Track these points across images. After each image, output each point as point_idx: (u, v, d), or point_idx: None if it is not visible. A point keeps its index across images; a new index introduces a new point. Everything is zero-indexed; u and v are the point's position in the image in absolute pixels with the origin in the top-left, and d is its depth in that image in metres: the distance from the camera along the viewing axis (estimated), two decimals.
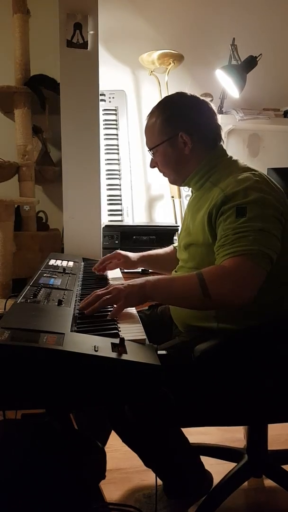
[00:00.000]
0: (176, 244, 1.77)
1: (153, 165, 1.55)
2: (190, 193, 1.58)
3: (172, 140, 1.44)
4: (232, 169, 1.39)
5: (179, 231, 2.70)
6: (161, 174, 1.57)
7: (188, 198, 2.82)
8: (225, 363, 1.26)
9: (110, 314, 1.19)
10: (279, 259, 1.25)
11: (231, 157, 1.47)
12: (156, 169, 1.55)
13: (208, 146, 1.45)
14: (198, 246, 1.38)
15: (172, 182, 1.59)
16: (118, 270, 1.76)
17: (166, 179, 1.57)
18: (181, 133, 1.43)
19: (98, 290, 1.25)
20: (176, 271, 1.52)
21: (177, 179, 1.53)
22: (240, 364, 1.25)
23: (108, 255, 1.72)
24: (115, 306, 1.22)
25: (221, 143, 1.48)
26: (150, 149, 1.51)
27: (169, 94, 2.75)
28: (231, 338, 1.29)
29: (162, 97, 2.80)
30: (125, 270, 1.81)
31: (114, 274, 1.71)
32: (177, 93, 1.53)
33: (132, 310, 1.29)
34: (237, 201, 1.26)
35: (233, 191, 1.28)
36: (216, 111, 1.49)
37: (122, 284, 1.25)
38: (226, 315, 1.31)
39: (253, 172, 1.35)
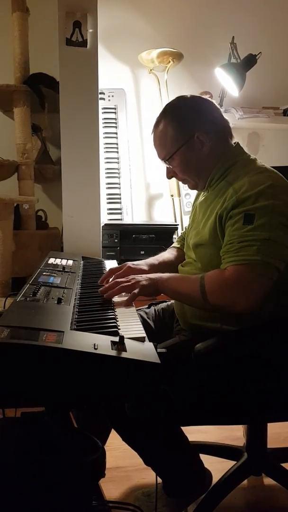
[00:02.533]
0: (176, 244, 1.75)
1: (170, 175, 1.48)
2: (191, 192, 1.56)
3: (189, 144, 1.38)
4: (249, 168, 1.36)
5: (180, 230, 2.71)
6: (180, 182, 1.52)
7: (188, 196, 2.84)
8: (224, 362, 1.26)
9: (126, 300, 1.31)
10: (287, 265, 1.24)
11: (249, 156, 1.43)
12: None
13: (224, 141, 1.41)
14: (207, 247, 1.37)
15: (192, 187, 1.49)
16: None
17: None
18: (197, 134, 1.37)
19: (118, 279, 1.37)
20: (182, 266, 1.51)
21: (198, 183, 1.46)
22: (240, 363, 1.25)
23: (118, 272, 1.46)
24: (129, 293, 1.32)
25: (233, 138, 1.44)
26: (165, 160, 1.44)
27: (168, 93, 2.80)
28: (231, 337, 1.29)
29: (162, 96, 2.83)
30: None
31: None
32: (178, 97, 1.48)
33: (132, 308, 1.29)
34: (246, 207, 1.24)
35: (244, 196, 1.26)
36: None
37: (142, 276, 1.37)
38: (230, 316, 1.31)
39: (269, 174, 1.32)
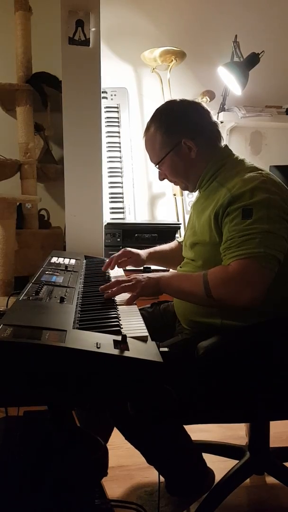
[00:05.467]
0: (180, 239, 1.77)
1: (162, 177, 1.53)
2: (194, 192, 1.57)
3: (176, 149, 1.43)
4: (239, 169, 1.38)
5: (182, 229, 2.71)
6: (172, 183, 1.56)
7: (190, 196, 2.84)
8: (228, 360, 1.26)
9: (126, 301, 1.30)
10: (285, 258, 1.25)
11: (237, 157, 1.46)
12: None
13: (212, 145, 1.44)
14: (204, 245, 1.39)
15: (183, 189, 1.56)
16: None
17: None
18: (184, 140, 1.41)
19: (120, 279, 1.38)
20: (181, 267, 1.52)
21: (188, 186, 1.51)
22: (243, 361, 1.25)
23: (116, 254, 1.67)
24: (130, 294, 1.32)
25: (222, 140, 1.47)
26: (156, 164, 1.49)
27: (171, 92, 2.79)
28: (234, 335, 1.29)
29: (164, 95, 2.82)
30: (128, 268, 1.80)
31: (115, 272, 1.71)
32: (167, 102, 1.53)
33: (134, 307, 1.29)
34: (243, 202, 1.26)
35: (239, 191, 1.28)
36: (210, 110, 1.47)
37: (143, 275, 1.37)
38: (230, 311, 1.31)
39: (259, 172, 1.34)
